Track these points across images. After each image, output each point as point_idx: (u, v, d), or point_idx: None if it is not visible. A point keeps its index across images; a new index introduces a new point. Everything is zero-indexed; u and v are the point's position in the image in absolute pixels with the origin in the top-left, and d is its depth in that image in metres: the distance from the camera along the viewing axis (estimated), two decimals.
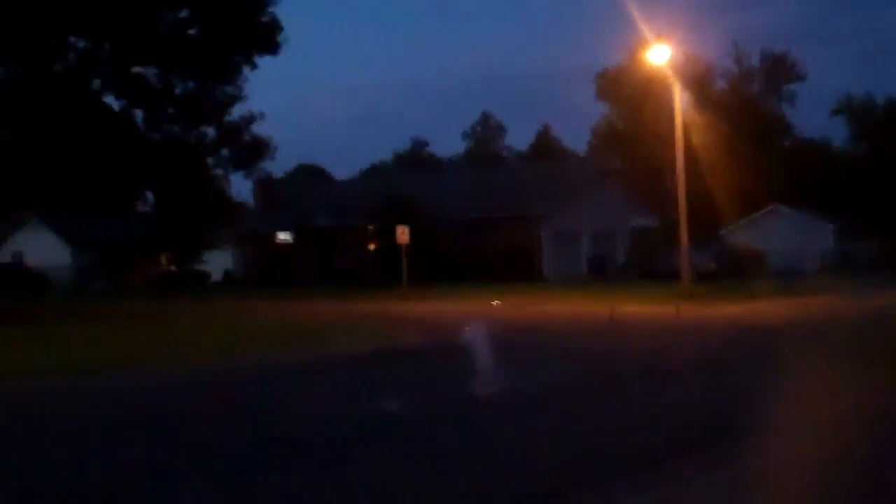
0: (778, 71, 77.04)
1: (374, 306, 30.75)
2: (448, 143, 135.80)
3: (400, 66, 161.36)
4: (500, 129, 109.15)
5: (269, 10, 36.33)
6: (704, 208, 51.90)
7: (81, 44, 35.01)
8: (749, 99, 75.41)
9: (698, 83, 71.85)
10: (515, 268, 46.54)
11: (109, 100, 35.91)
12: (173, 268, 59.64)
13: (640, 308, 26.86)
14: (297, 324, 23.89)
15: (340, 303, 33.34)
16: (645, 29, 38.83)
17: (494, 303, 11.17)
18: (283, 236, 59.88)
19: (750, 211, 58.37)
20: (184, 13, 35.72)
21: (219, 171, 39.01)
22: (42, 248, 61.98)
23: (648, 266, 47.76)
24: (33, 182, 33.50)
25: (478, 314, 11.66)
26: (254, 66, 36.72)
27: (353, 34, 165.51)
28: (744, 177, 55.10)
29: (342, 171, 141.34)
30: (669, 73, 39.49)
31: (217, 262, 60.08)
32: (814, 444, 7.86)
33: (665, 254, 47.02)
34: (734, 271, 43.61)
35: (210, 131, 37.41)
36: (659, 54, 38.07)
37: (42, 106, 31.40)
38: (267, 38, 36.34)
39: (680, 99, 38.31)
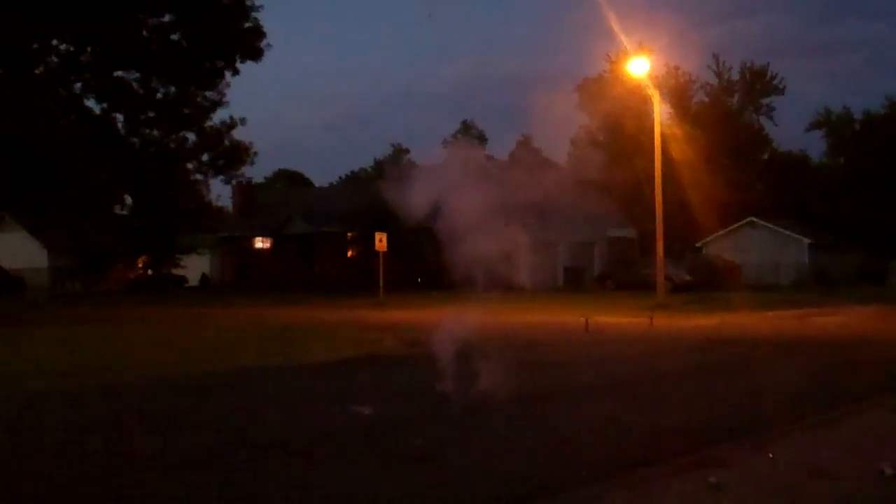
0: (758, 84, 77.55)
1: (351, 313, 30.88)
2: (429, 151, 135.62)
3: (381, 74, 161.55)
4: (481, 138, 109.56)
5: (253, 16, 36.56)
6: (681, 220, 52.28)
7: (63, 47, 35.06)
8: (728, 112, 75.85)
9: (678, 95, 72.40)
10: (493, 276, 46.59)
11: (91, 103, 35.95)
12: (150, 272, 59.47)
13: (614, 319, 27.10)
14: (273, 330, 23.97)
15: (317, 309, 33.43)
16: (626, 40, 39.26)
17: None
18: (261, 242, 59.86)
19: (726, 223, 58.79)
20: (167, 18, 35.86)
21: (198, 176, 39.13)
22: (18, 251, 61.57)
23: (624, 277, 48.08)
24: (12, 182, 33.51)
25: (453, 323, 11.92)
26: (236, 72, 36.89)
27: (335, 42, 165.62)
28: (721, 189, 55.49)
29: (322, 177, 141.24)
30: (649, 84, 39.85)
31: (194, 267, 59.97)
32: None
33: (641, 265, 47.36)
34: (709, 283, 43.96)
35: (190, 136, 37.53)
36: (639, 66, 38.45)
37: (23, 108, 31.41)
38: (250, 45, 36.53)
39: (659, 111, 38.71)
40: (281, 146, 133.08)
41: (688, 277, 45.78)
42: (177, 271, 59.42)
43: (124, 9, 33.20)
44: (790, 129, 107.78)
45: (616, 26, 37.17)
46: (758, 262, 54.96)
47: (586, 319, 23.45)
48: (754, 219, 59.69)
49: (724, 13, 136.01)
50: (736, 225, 59.51)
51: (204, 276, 61.25)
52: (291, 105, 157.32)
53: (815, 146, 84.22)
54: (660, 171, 36.19)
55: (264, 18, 36.51)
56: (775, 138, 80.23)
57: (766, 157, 79.78)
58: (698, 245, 59.68)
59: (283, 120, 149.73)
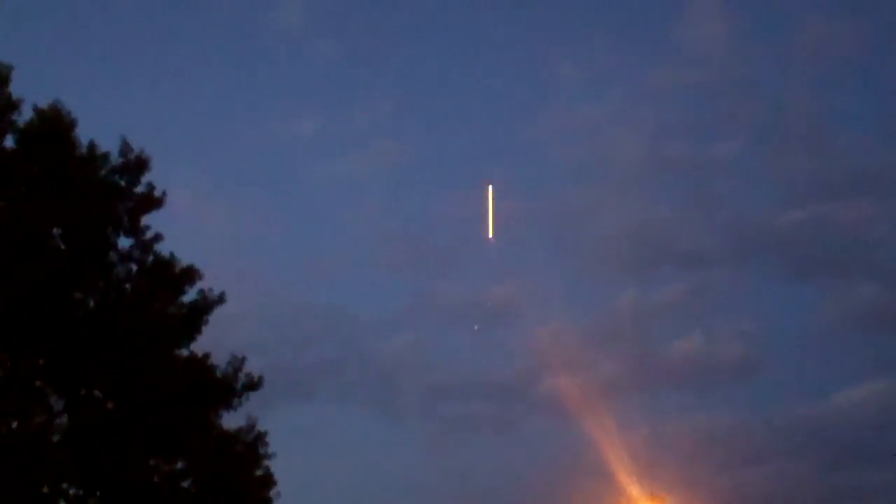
0: None
1: None
2: None
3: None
4: None
5: (265, 464, 36.60)
6: None
7: (73, 491, 34.84)
8: None
9: None
10: None
11: None
12: None
13: None
14: None
15: None
16: (634, 487, 39.29)
17: None
18: None
19: None
20: (180, 465, 35.86)
21: None
22: None
23: None
24: None
25: None
26: None
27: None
28: None
29: None
30: None
31: None
32: None
33: None
34: None
35: None
36: None
37: None
38: (259, 494, 36.26)
39: None
40: None
41: None
42: None
43: (138, 457, 33.33)
44: None
45: (624, 475, 37.43)
46: None
47: None
48: None
49: (734, 460, 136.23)
50: None
51: None
52: None
53: None
54: None
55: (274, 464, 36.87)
56: None
57: None
58: None
59: None
